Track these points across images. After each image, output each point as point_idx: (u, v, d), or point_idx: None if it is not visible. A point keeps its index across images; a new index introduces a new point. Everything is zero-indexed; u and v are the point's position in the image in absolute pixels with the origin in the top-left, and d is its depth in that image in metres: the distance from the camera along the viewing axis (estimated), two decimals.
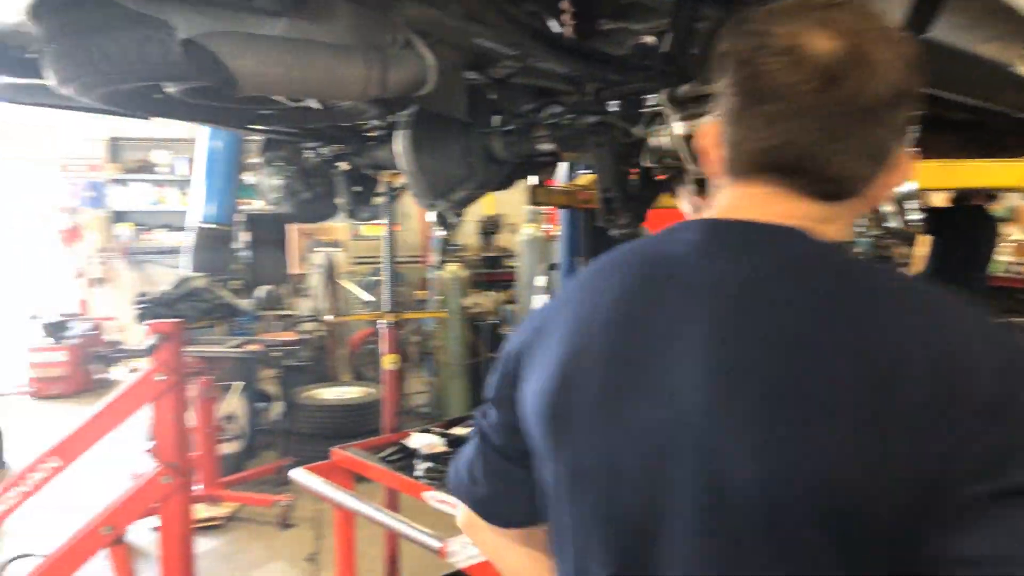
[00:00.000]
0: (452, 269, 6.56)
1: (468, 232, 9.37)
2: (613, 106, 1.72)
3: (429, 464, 2.15)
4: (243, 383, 5.68)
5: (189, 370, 4.84)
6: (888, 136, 0.82)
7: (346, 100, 1.55)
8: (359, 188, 2.72)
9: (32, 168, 8.81)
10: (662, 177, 1.94)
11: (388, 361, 2.98)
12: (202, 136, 6.11)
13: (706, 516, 0.76)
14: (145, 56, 1.46)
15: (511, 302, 7.46)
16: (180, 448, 2.72)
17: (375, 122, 2.50)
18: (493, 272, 8.39)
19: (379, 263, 8.76)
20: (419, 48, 1.53)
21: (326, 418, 5.76)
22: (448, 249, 7.61)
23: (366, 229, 8.56)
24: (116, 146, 8.93)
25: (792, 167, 0.82)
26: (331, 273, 6.37)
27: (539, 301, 5.35)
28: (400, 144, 2.23)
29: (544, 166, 2.27)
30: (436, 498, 1.94)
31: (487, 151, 2.12)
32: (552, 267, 5.29)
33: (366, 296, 6.67)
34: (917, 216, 1.63)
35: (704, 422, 0.76)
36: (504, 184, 2.21)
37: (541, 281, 5.33)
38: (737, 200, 0.87)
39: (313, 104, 1.88)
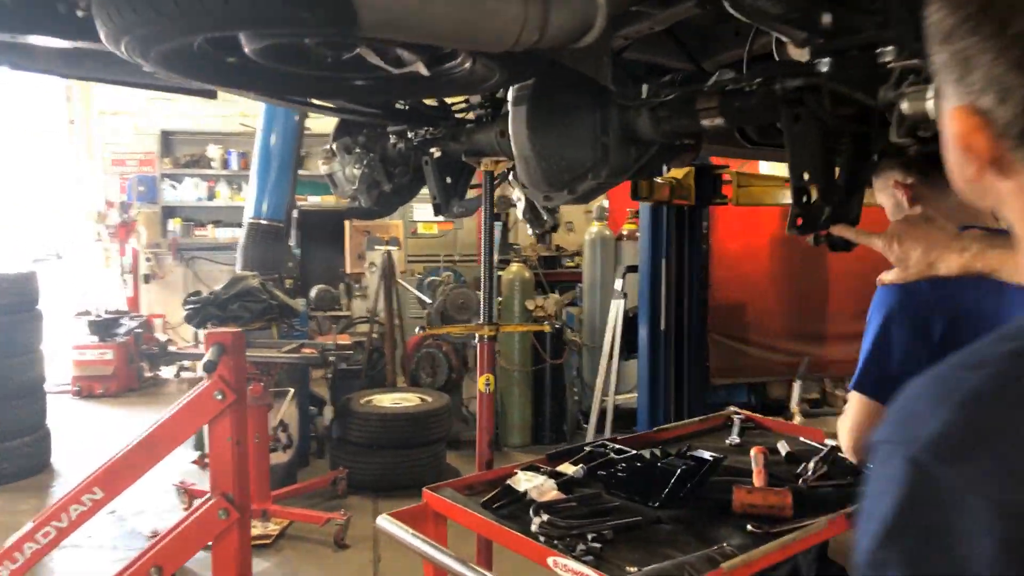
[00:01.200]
0: (514, 270, 6.15)
1: (522, 231, 8.98)
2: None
3: (545, 516, 1.74)
4: (296, 389, 5.35)
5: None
6: None
7: (494, 48, 1.15)
8: (450, 179, 2.32)
9: (82, 162, 8.64)
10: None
11: (482, 382, 2.59)
12: (259, 128, 5.83)
13: None
14: None
15: (572, 304, 7.04)
16: (239, 478, 2.34)
17: (476, 99, 2.10)
18: (550, 272, 7.97)
19: (437, 262, 8.45)
20: None
21: (382, 427, 5.40)
22: (509, 249, 7.24)
23: (423, 227, 8.23)
24: (168, 140, 8.72)
25: None
26: (389, 273, 6.01)
27: (616, 305, 4.93)
28: (514, 123, 1.82)
29: (681, 152, 1.84)
30: (566, 567, 1.53)
31: (628, 129, 1.70)
32: (630, 269, 4.85)
33: (424, 298, 6.30)
34: None
35: None
36: (641, 172, 1.79)
37: (618, 285, 4.90)
38: None
39: (421, 71, 1.47)
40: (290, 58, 1.53)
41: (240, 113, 8.16)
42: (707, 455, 2.07)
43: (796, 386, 7.12)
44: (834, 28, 1.30)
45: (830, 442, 2.39)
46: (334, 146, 2.43)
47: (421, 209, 8.24)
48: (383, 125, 2.37)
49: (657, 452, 2.17)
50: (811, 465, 2.09)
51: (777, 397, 7.37)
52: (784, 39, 1.57)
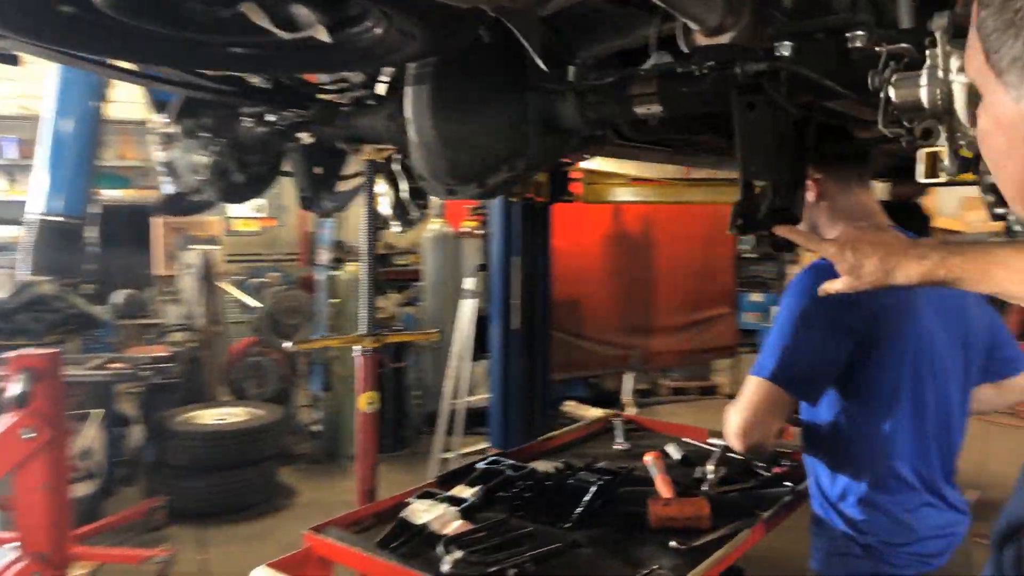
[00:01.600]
0: (352, 269, 5.80)
1: (351, 227, 8.58)
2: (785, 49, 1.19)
3: (458, 553, 1.53)
4: (103, 410, 4.67)
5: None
6: None
7: (463, 1, 0.93)
8: (320, 169, 2.02)
9: None
10: None
11: (364, 401, 2.29)
12: (47, 112, 5.01)
13: None
14: None
15: (409, 304, 6.79)
16: (55, 532, 1.91)
17: (359, 77, 1.83)
18: (386, 271, 7.66)
19: (257, 262, 7.82)
20: None
21: (206, 446, 4.87)
22: (337, 246, 6.83)
23: (241, 224, 7.60)
24: None
25: None
26: (208, 275, 5.44)
27: (467, 305, 4.75)
28: (414, 106, 1.59)
29: (595, 143, 1.69)
30: None
31: (548, 116, 1.53)
32: (482, 268, 4.71)
33: (251, 301, 5.78)
34: None
35: None
36: (551, 165, 1.63)
37: (469, 284, 4.73)
38: None
39: (321, 36, 1.21)
40: (149, 13, 1.20)
41: (20, 94, 7.08)
42: (611, 467, 1.95)
43: (627, 378, 7.38)
44: (795, 8, 1.21)
45: (716, 442, 2.37)
46: (175, 129, 2.04)
47: (238, 204, 7.61)
48: (236, 105, 2.02)
49: (560, 466, 2.03)
50: (709, 468, 2.04)
51: (610, 389, 7.57)
52: (693, 26, 1.47)
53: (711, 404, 7.48)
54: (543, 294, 4.41)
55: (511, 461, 2.08)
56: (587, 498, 1.78)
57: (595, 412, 7.14)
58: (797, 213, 1.36)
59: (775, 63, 1.20)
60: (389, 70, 1.84)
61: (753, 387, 1.65)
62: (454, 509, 1.76)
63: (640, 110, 1.43)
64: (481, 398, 5.38)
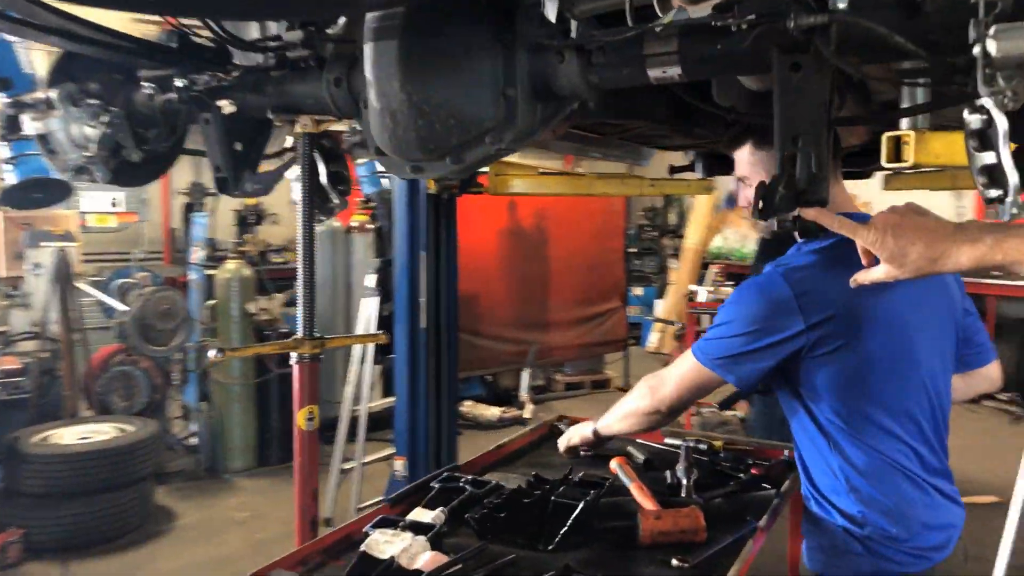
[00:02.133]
0: (232, 267, 5.32)
1: (220, 223, 7.97)
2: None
3: None
4: None
5: None
6: None
7: None
8: (240, 144, 1.70)
9: None
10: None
11: (303, 416, 1.96)
12: None
13: None
14: None
15: (292, 304, 6.35)
16: None
17: (296, 35, 1.54)
18: (264, 270, 7.14)
19: (117, 262, 7.08)
20: None
21: (69, 470, 4.31)
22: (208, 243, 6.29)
23: (96, 219, 6.85)
24: None
25: None
26: (64, 276, 4.82)
27: (370, 304, 4.43)
28: (376, 65, 1.33)
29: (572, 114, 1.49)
30: None
31: (540, 79, 1.31)
32: (385, 264, 4.41)
33: (115, 304, 5.18)
34: None
35: None
36: (540, 136, 1.42)
37: (370, 281, 4.41)
38: None
39: None
40: None
41: None
42: (590, 478, 1.77)
43: (525, 375, 7.27)
44: None
45: (673, 441, 2.24)
46: (52, 95, 1.66)
47: (93, 197, 6.86)
48: (132, 68, 1.67)
49: (531, 479, 1.82)
50: (679, 473, 1.90)
51: (507, 387, 7.43)
52: None
53: (604, 397, 7.48)
54: (451, 291, 4.17)
55: (468, 476, 1.85)
56: (574, 515, 1.58)
57: (494, 411, 6.98)
58: (825, 193, 1.22)
59: (832, 16, 1.04)
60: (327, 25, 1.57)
61: (691, 364, 1.64)
62: (421, 538, 1.51)
63: (655, 73, 1.24)
64: (384, 403, 5.07)
